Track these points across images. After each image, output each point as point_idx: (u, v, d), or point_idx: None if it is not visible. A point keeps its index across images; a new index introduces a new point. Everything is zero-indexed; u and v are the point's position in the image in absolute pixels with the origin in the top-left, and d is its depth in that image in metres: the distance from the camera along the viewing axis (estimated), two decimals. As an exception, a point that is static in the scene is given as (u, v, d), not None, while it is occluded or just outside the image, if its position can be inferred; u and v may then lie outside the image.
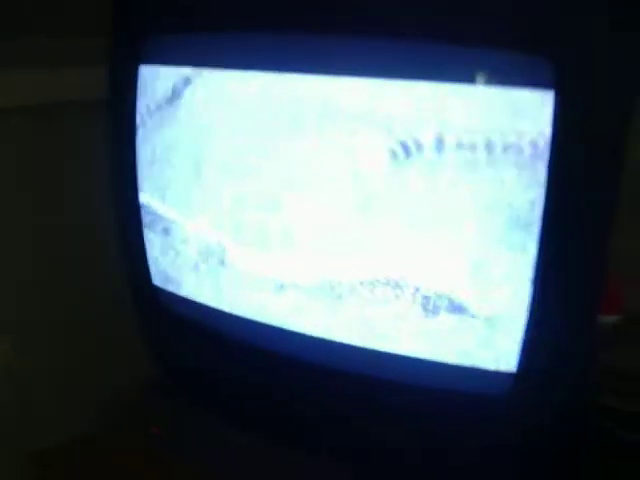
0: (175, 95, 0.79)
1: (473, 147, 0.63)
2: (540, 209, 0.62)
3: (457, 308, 0.67)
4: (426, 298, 0.68)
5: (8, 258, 1.06)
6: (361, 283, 0.71)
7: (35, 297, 1.09)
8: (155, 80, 0.80)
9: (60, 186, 1.08)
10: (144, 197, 0.85)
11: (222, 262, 0.79)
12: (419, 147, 0.65)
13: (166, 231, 0.84)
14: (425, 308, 0.68)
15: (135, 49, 0.80)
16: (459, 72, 0.63)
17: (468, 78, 0.63)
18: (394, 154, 0.66)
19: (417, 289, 0.68)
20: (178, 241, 0.83)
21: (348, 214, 0.70)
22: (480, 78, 0.62)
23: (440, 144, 0.64)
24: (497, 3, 0.62)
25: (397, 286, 0.69)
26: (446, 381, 0.70)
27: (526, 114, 0.61)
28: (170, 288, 0.86)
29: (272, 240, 0.75)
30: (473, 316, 0.67)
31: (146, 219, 0.86)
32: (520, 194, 0.63)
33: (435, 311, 0.68)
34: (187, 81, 0.78)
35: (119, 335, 1.08)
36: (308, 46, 0.70)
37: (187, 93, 0.78)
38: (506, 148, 0.62)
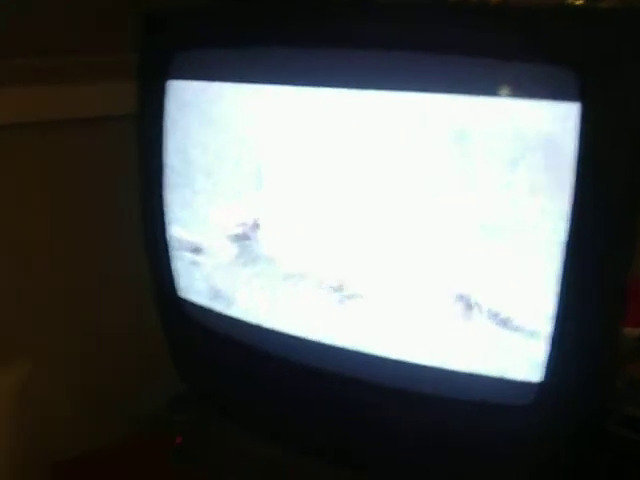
0: (215, 109, 0.80)
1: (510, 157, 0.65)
2: (566, 221, 0.63)
3: (493, 317, 0.68)
4: (467, 306, 0.69)
5: (35, 273, 1.07)
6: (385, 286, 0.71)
7: (55, 310, 1.10)
8: (189, 94, 0.82)
9: (90, 201, 1.09)
10: (179, 214, 0.86)
11: (283, 274, 0.79)
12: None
13: (200, 248, 0.84)
14: (462, 315, 0.69)
15: (163, 65, 0.82)
16: (493, 85, 0.64)
17: (501, 91, 0.64)
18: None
19: (461, 296, 0.69)
20: (222, 255, 0.83)
21: (415, 223, 0.71)
22: (509, 91, 0.64)
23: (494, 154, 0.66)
24: (522, 17, 0.64)
25: (439, 292, 0.70)
26: (473, 391, 0.71)
27: (551, 125, 0.62)
28: (211, 305, 0.86)
29: (338, 249, 0.75)
30: (505, 326, 0.67)
31: (178, 237, 0.87)
32: (547, 205, 0.64)
33: (472, 319, 0.69)
34: (231, 96, 0.79)
35: (143, 347, 1.09)
36: (335, 61, 0.72)
37: (230, 107, 0.79)
38: (532, 159, 0.64)
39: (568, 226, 0.63)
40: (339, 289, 0.75)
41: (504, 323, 0.67)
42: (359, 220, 0.73)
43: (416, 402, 0.74)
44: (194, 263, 0.86)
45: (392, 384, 0.75)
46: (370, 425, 0.77)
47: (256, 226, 0.79)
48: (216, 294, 0.85)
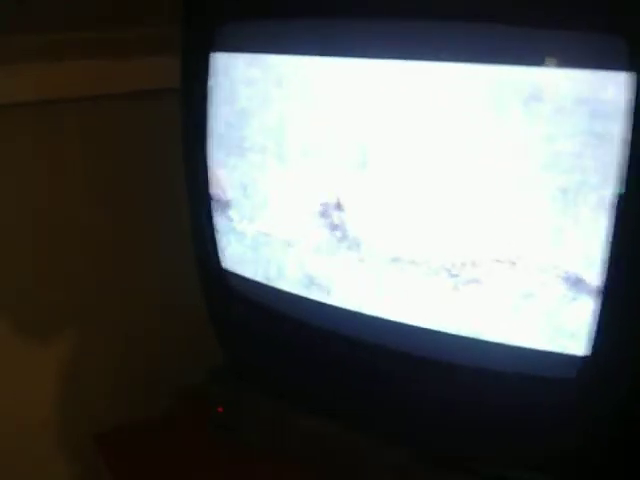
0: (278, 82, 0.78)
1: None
2: (612, 192, 0.62)
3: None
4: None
5: (82, 246, 1.09)
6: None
7: (98, 283, 1.11)
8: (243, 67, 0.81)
9: (131, 179, 1.10)
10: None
11: (388, 260, 0.75)
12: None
13: (289, 233, 0.82)
14: (522, 288, 0.68)
15: (208, 37, 0.81)
16: (541, 55, 0.63)
17: (549, 61, 0.63)
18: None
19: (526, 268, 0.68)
20: (315, 240, 0.80)
21: (528, 206, 0.67)
22: (557, 61, 0.63)
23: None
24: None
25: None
26: (517, 364, 0.70)
27: (600, 96, 0.61)
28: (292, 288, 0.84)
29: (447, 233, 0.71)
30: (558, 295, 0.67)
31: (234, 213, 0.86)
32: (598, 175, 0.63)
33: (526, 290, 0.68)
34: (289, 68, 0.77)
35: (185, 317, 1.10)
36: (390, 33, 0.71)
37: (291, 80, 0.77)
38: (582, 131, 0.63)
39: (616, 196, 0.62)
40: (454, 275, 0.72)
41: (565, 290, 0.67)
42: (465, 202, 0.70)
43: (466, 377, 0.74)
44: (283, 247, 0.83)
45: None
46: (437, 403, 0.77)
47: (342, 208, 0.77)
48: (311, 280, 0.82)
